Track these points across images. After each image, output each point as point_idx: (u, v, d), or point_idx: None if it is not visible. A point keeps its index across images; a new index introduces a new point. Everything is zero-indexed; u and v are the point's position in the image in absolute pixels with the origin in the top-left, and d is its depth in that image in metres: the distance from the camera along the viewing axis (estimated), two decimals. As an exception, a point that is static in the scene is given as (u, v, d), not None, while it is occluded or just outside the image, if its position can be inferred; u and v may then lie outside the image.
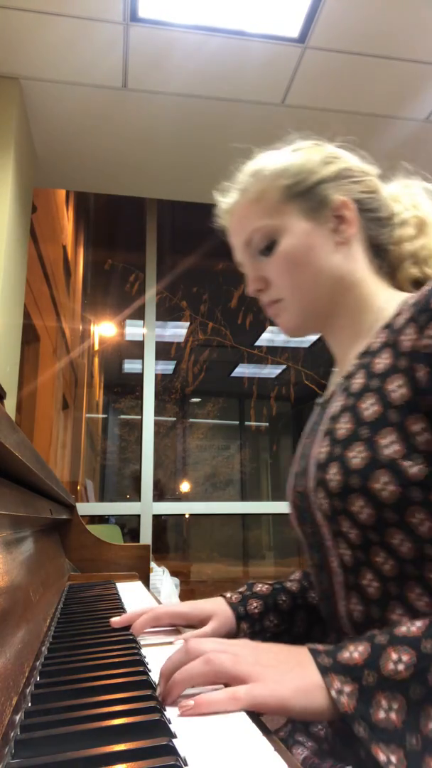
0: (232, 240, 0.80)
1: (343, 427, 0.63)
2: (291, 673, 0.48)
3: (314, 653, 0.50)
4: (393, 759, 0.44)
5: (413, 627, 0.49)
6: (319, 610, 0.80)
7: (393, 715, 0.45)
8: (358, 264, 0.73)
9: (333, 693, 0.46)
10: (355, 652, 0.49)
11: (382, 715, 0.45)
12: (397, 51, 2.25)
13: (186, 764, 0.37)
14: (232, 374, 5.67)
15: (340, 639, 0.64)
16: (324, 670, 0.48)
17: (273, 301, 0.76)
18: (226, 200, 0.79)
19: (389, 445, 0.57)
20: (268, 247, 0.74)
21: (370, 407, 0.60)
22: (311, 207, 0.73)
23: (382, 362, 0.62)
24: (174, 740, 0.39)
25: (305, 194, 0.73)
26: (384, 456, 0.57)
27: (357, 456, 0.59)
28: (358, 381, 0.65)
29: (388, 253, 0.76)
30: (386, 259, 0.76)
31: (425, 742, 0.45)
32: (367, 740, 0.45)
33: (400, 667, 0.46)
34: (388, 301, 0.70)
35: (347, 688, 0.46)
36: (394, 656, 0.47)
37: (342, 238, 0.72)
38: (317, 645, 0.51)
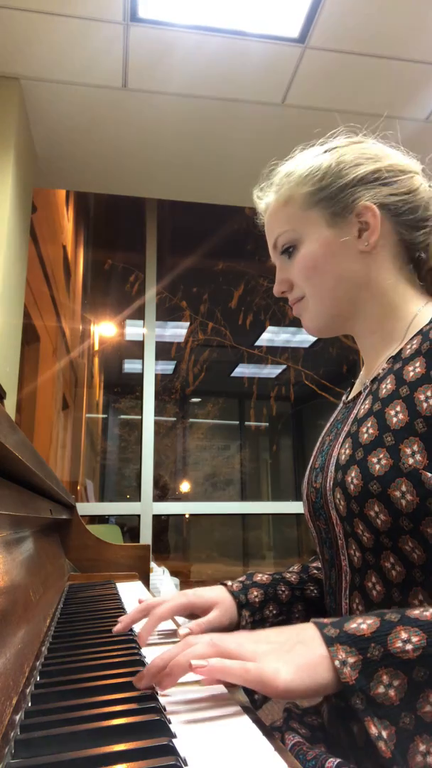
0: (267, 239, 0.80)
1: (368, 431, 0.62)
2: (292, 653, 0.48)
3: (320, 625, 0.50)
4: (384, 734, 0.44)
5: (426, 612, 0.49)
6: (317, 603, 0.80)
7: (392, 692, 0.45)
8: (386, 271, 0.71)
9: (337, 663, 0.46)
10: (363, 624, 0.49)
11: (381, 690, 0.45)
12: (397, 51, 2.25)
13: (186, 764, 0.37)
14: (232, 374, 5.67)
15: None
16: (330, 641, 0.48)
17: (296, 299, 0.76)
18: (263, 199, 0.80)
19: (413, 454, 0.57)
20: (290, 252, 0.75)
21: (397, 415, 0.60)
22: (334, 213, 0.71)
23: (413, 370, 0.61)
24: (174, 740, 0.39)
25: (328, 200, 0.71)
26: (406, 465, 0.57)
27: (379, 462, 0.59)
28: (387, 386, 0.64)
29: (423, 257, 0.73)
30: (422, 264, 0.74)
31: (418, 723, 0.45)
32: (361, 712, 0.45)
33: (408, 647, 0.46)
34: (421, 308, 0.69)
35: (351, 659, 0.46)
36: (404, 635, 0.47)
37: (365, 245, 0.70)
38: (322, 618, 0.52)
